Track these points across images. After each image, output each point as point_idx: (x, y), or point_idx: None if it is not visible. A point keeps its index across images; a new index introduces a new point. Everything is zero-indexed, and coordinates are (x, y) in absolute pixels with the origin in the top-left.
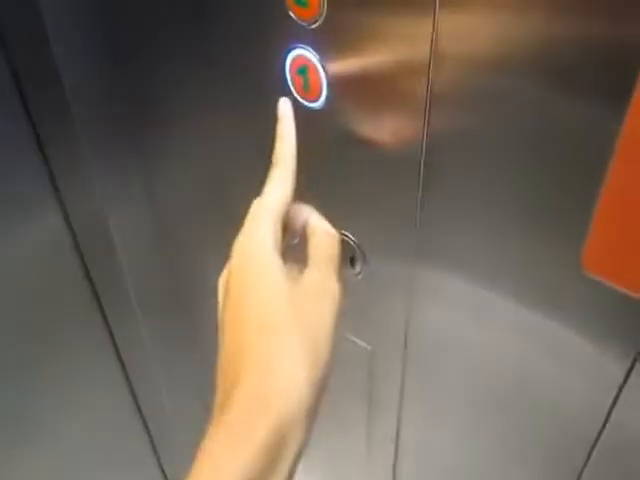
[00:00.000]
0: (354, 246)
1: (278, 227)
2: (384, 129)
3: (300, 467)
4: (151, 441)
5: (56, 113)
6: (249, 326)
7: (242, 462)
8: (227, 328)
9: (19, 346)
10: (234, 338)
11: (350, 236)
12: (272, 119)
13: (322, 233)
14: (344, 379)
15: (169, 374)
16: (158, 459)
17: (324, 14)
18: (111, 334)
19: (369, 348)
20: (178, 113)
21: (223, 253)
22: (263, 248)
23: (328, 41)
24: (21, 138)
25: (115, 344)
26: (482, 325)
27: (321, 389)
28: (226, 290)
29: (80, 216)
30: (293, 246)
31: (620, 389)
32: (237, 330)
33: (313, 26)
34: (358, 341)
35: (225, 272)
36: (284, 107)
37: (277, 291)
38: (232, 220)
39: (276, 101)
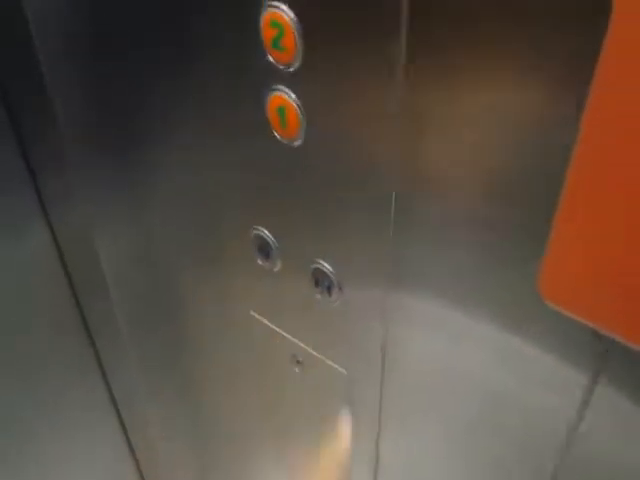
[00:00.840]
0: (330, 274)
1: None
2: (359, 164)
3: None
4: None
5: (45, 134)
6: None
7: None
8: None
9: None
10: None
11: (326, 264)
12: (252, 155)
13: None
14: (323, 404)
15: (153, 391)
16: None
17: (301, 58)
18: (97, 354)
19: (346, 373)
20: (165, 144)
21: (208, 274)
22: None
23: (305, 83)
24: (10, 159)
25: (101, 364)
26: (455, 348)
27: None
28: None
29: (67, 237)
30: None
31: (584, 403)
32: None
33: (291, 69)
34: (336, 366)
35: None
36: None
37: None
38: (217, 245)
39: (256, 138)
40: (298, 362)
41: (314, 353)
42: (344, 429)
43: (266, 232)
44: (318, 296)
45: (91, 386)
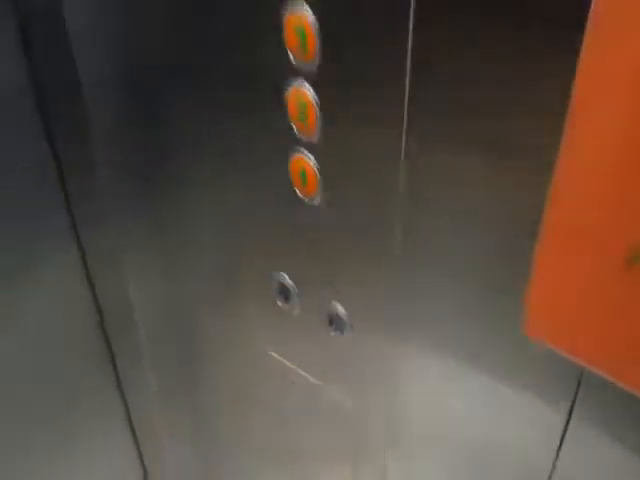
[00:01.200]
0: (342, 315)
1: None
2: (368, 222)
3: None
4: None
5: (82, 167)
6: None
7: None
8: None
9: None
10: None
11: (339, 306)
12: (276, 208)
13: None
14: (334, 434)
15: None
16: None
17: (320, 131)
18: (120, 386)
19: (353, 404)
20: (196, 196)
21: (232, 315)
22: None
23: (323, 152)
24: (48, 189)
25: (124, 399)
26: (450, 389)
27: None
28: None
29: (97, 266)
30: None
31: (562, 435)
32: None
33: (312, 140)
34: (345, 398)
35: None
36: None
37: None
38: (242, 289)
39: (280, 194)
40: (312, 395)
41: (326, 386)
42: (353, 458)
43: (286, 277)
44: (332, 334)
45: (110, 411)
